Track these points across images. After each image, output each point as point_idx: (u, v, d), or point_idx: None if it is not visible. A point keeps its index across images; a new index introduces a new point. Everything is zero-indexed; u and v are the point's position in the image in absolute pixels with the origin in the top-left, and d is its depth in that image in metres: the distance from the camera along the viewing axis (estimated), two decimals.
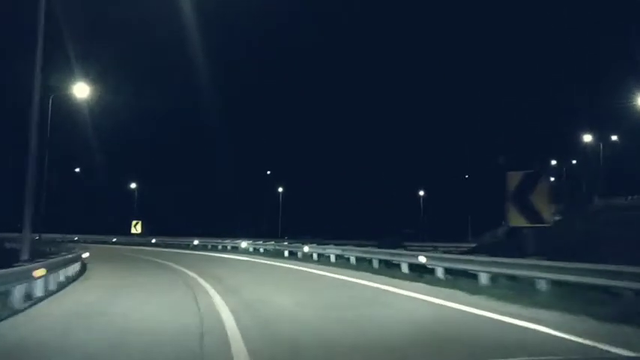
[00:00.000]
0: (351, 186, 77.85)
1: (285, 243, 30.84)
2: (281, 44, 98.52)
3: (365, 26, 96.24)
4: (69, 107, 28.66)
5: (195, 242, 38.77)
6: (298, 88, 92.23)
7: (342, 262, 20.55)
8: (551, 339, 6.89)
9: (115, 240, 52.30)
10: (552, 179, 43.37)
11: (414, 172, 79.03)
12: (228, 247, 34.76)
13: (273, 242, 32.23)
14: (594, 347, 6.41)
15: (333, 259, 21.39)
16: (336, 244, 24.74)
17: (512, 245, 15.80)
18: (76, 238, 57.04)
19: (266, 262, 23.59)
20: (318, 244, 25.48)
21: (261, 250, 29.76)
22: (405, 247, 26.94)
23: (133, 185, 74.49)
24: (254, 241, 33.47)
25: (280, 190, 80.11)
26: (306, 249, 23.82)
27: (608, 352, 6.19)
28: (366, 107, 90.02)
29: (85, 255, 20.55)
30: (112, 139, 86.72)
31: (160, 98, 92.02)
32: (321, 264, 21.05)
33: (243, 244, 31.44)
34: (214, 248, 35.45)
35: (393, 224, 71.66)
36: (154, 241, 45.65)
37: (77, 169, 78.24)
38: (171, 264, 21.26)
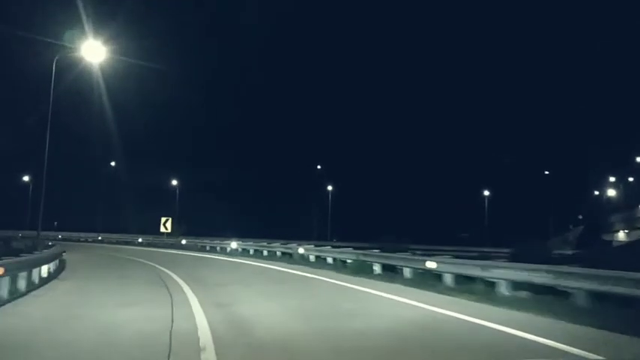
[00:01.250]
0: (406, 185, 67.97)
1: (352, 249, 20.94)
2: (334, 34, 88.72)
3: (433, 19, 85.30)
4: None
5: (233, 245, 29.22)
6: (352, 79, 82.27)
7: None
8: None
9: (140, 240, 43.52)
10: None
11: (479, 169, 68.60)
12: (264, 253, 25.27)
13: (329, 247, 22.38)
14: None
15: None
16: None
17: None
18: (99, 238, 48.91)
19: (346, 283, 13.89)
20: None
21: (329, 259, 20.05)
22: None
23: (174, 182, 67.13)
24: (315, 245, 23.70)
25: (330, 188, 71.00)
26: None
27: None
28: (425, 100, 78.96)
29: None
30: (143, 130, 79.26)
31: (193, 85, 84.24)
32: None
33: (300, 249, 21.61)
34: (259, 254, 25.75)
35: (450, 227, 62.72)
36: (184, 242, 36.44)
37: (113, 163, 71.80)
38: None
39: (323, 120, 77.23)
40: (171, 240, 38.77)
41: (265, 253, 25.27)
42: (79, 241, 50.34)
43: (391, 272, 14.26)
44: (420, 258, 13.21)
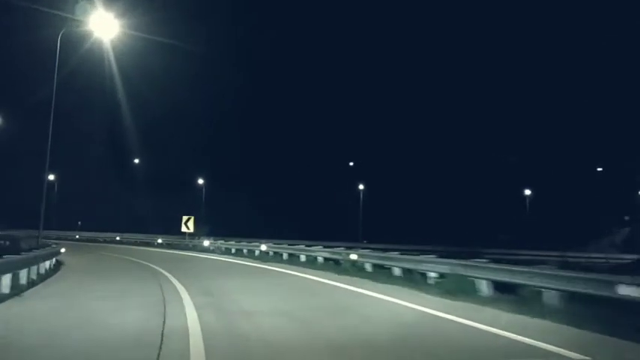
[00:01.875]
0: (441, 185, 62.27)
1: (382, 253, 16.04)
2: (365, 26, 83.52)
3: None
4: None
5: (263, 247, 24.50)
6: (388, 75, 77.01)
7: None
8: None
9: (160, 241, 39.20)
10: None
11: (520, 168, 62.48)
12: (302, 258, 20.49)
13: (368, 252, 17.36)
14: None
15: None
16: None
17: None
18: (118, 238, 44.90)
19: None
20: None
21: (367, 266, 15.12)
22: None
23: (201, 181, 63.35)
24: (372, 249, 18.63)
25: (361, 187, 65.99)
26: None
27: None
28: (463, 96, 73.00)
29: None
30: (162, 121, 75.47)
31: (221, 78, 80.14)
32: None
33: (353, 255, 16.54)
34: (295, 260, 20.86)
35: (487, 228, 57.01)
36: (206, 243, 31.86)
37: (136, 160, 68.31)
38: None
39: (355, 115, 72.00)
40: (193, 241, 34.31)
41: (303, 258, 20.38)
42: (96, 241, 46.46)
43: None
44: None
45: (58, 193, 68.04)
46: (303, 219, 59.09)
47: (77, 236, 49.24)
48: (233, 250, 28.04)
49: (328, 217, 60.26)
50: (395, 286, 11.80)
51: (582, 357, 5.61)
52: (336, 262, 17.56)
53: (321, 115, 71.92)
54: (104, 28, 18.20)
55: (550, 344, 6.16)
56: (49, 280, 14.07)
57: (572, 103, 63.43)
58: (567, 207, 54.63)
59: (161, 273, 16.33)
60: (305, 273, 15.92)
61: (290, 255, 21.76)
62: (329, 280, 13.69)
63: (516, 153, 63.54)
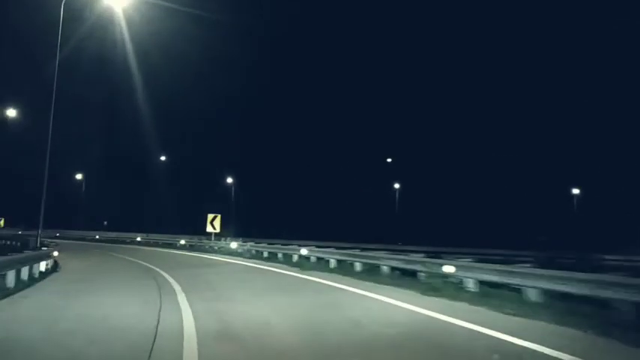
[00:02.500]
0: (482, 183, 56.26)
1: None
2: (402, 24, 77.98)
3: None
4: None
5: (303, 251, 19.60)
6: (430, 71, 71.24)
7: None
8: None
9: (183, 242, 34.66)
10: None
11: (565, 166, 55.96)
12: (357, 267, 15.42)
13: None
14: None
15: None
16: None
17: None
18: (138, 239, 40.67)
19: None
20: None
21: (422, 275, 10.05)
22: None
23: (229, 180, 59.19)
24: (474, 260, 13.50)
25: (397, 186, 60.56)
26: None
27: None
28: (508, 90, 66.65)
29: None
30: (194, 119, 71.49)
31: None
32: None
33: (448, 267, 11.35)
34: (346, 268, 15.80)
35: (527, 229, 50.87)
36: (234, 245, 27.10)
37: (163, 157, 64.55)
38: None
39: (393, 110, 66.50)
40: (220, 243, 29.66)
41: (358, 266, 15.36)
42: (116, 241, 42.33)
43: None
44: None
45: (85, 193, 64.95)
46: (333, 219, 54.16)
47: (97, 236, 45.31)
48: (265, 254, 23.22)
49: (358, 218, 55.14)
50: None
51: None
52: (411, 273, 12.46)
53: (356, 108, 66.81)
54: None
55: None
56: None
57: (625, 99, 56.81)
58: (615, 207, 48.45)
59: (170, 286, 11.60)
60: (371, 290, 10.89)
61: (339, 262, 16.74)
62: (428, 309, 8.60)
63: (564, 150, 57.13)
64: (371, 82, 71.27)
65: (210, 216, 32.15)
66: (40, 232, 21.38)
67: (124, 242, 41.48)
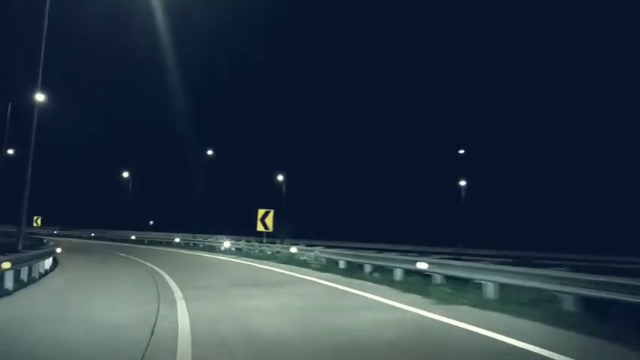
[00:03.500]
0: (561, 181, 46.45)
1: None
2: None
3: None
4: None
5: (421, 266, 11.69)
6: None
7: None
8: None
9: (227, 245, 27.47)
10: None
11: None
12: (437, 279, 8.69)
13: None
14: None
15: None
16: None
17: None
18: (177, 240, 34.00)
19: None
20: None
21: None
22: None
23: (280, 177, 52.00)
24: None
25: (463, 183, 51.40)
26: None
27: None
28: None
29: None
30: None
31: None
32: None
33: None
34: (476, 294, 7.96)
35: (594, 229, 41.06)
36: (294, 250, 19.55)
37: (210, 152, 58.18)
38: None
39: (465, 99, 57.33)
40: (274, 246, 22.24)
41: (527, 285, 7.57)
42: (152, 243, 35.84)
43: None
44: None
45: (132, 192, 59.45)
46: (388, 219, 46.12)
47: (133, 237, 39.10)
48: (342, 265, 15.61)
49: (417, 216, 46.74)
50: None
51: None
52: None
53: (419, 96, 58.26)
54: None
55: None
56: None
57: None
58: None
59: None
60: None
61: (506, 287, 8.87)
62: None
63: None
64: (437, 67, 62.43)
65: (260, 212, 24.91)
66: (22, 230, 14.92)
67: (160, 243, 34.91)
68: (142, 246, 33.64)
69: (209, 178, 53.38)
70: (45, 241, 23.39)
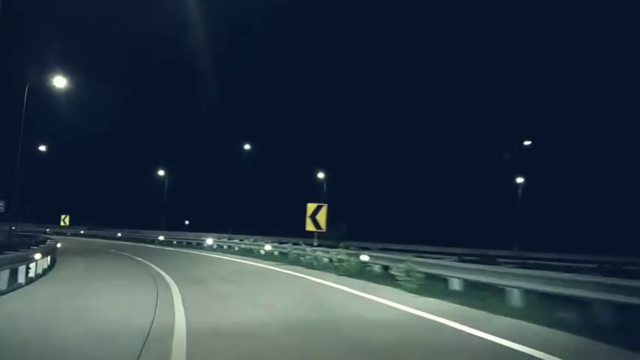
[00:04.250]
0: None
1: None
2: None
3: None
4: None
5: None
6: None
7: None
8: None
9: (268, 248, 21.52)
10: None
11: None
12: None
13: None
14: None
15: None
16: None
17: None
18: (209, 242, 28.47)
19: None
20: None
21: None
22: None
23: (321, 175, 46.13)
24: None
25: (520, 180, 43.68)
26: None
27: None
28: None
29: None
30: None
31: None
32: None
33: None
34: None
35: None
36: (365, 258, 13.29)
37: (247, 146, 52.80)
38: None
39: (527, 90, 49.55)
40: (331, 252, 16.00)
41: None
42: (179, 245, 30.39)
43: None
44: None
45: (168, 190, 54.64)
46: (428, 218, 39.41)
47: (161, 237, 33.91)
48: (456, 285, 9.43)
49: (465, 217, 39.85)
50: None
51: None
52: None
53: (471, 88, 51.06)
54: None
55: None
56: None
57: None
58: None
59: None
60: None
61: None
62: None
63: None
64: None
65: (310, 206, 19.06)
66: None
67: (189, 245, 29.41)
68: (169, 248, 28.23)
69: (245, 175, 48.13)
70: (35, 240, 18.19)
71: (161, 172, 52.75)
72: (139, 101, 67.26)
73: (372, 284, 11.41)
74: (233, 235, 32.94)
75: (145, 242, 33.83)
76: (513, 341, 5.67)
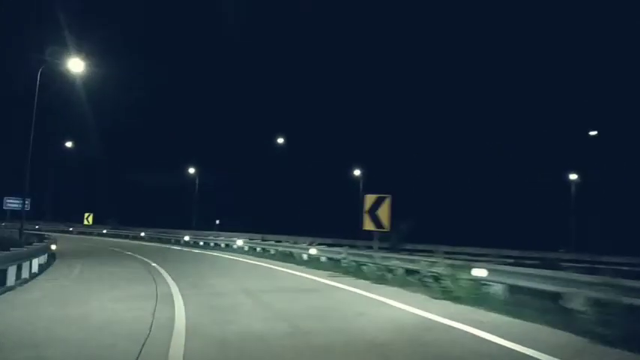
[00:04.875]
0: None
1: None
2: None
3: None
4: None
5: None
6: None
7: None
8: None
9: (313, 252, 16.82)
10: None
11: None
12: None
13: None
14: None
15: None
16: None
17: None
18: (240, 244, 23.97)
19: None
20: None
21: None
22: None
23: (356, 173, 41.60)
24: None
25: (574, 177, 37.56)
26: None
27: None
28: None
29: None
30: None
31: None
32: None
33: None
34: None
35: None
36: (479, 273, 8.48)
37: (280, 140, 48.49)
38: None
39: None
40: (421, 261, 10.83)
41: None
42: (206, 246, 26.12)
43: None
44: None
45: (199, 189, 50.76)
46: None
47: (186, 238, 29.83)
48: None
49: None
50: None
51: None
52: None
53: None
54: None
55: None
56: None
57: None
58: None
59: None
60: None
61: None
62: None
63: None
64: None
65: (369, 198, 14.69)
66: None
67: (217, 247, 25.07)
68: (195, 250, 23.94)
69: (280, 174, 44.02)
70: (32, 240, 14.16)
71: (191, 170, 49.12)
72: (171, 96, 64.48)
73: (517, 322, 6.60)
74: (266, 236, 28.60)
75: (170, 243, 29.79)
76: None
